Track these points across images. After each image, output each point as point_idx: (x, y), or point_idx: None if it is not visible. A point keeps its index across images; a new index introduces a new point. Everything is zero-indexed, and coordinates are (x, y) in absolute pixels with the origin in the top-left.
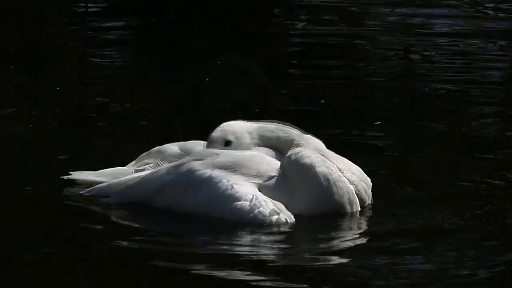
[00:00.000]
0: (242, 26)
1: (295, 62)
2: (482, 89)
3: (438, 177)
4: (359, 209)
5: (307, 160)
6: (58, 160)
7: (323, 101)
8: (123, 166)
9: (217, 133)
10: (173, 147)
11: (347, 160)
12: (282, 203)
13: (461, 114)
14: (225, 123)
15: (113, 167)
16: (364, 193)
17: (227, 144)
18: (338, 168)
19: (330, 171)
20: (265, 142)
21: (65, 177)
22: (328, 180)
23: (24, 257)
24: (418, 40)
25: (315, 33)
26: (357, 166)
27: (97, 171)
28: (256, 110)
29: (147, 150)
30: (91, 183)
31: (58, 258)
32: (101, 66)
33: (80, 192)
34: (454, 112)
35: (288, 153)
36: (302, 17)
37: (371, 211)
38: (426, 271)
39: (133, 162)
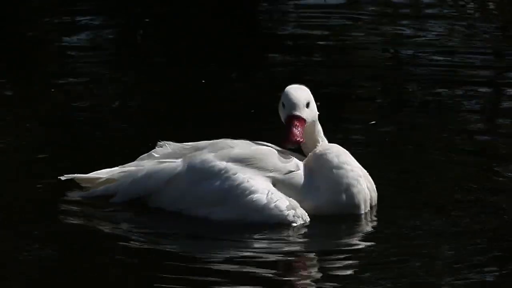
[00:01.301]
0: (231, 24)
1: (285, 64)
2: (471, 88)
3: (436, 176)
4: (369, 208)
5: (340, 159)
6: (52, 161)
7: (318, 103)
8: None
9: (301, 92)
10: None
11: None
12: (296, 199)
13: (455, 114)
14: (296, 86)
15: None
16: (374, 193)
17: (308, 105)
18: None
19: (358, 175)
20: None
21: (62, 178)
22: (353, 183)
23: (25, 259)
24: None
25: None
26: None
27: (97, 171)
28: (252, 111)
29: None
30: (90, 181)
31: (60, 260)
32: (91, 66)
33: (82, 195)
34: (447, 111)
35: (318, 151)
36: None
37: (377, 212)
38: (434, 273)
39: (134, 163)
